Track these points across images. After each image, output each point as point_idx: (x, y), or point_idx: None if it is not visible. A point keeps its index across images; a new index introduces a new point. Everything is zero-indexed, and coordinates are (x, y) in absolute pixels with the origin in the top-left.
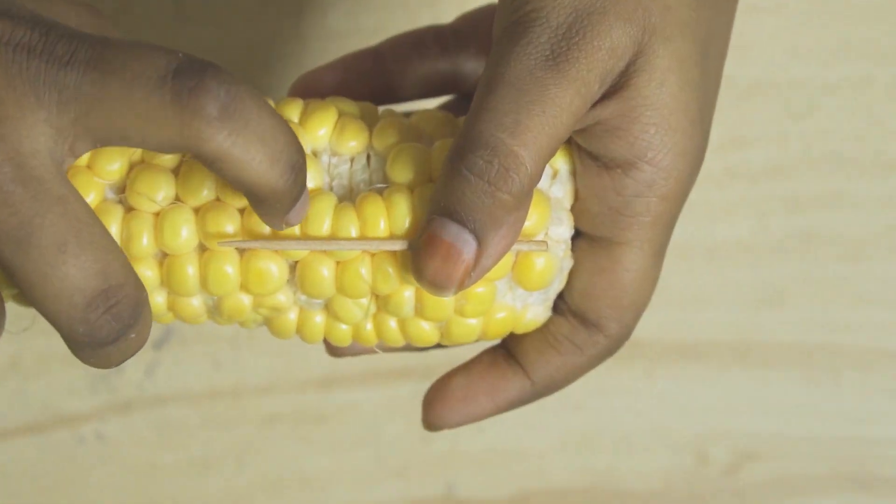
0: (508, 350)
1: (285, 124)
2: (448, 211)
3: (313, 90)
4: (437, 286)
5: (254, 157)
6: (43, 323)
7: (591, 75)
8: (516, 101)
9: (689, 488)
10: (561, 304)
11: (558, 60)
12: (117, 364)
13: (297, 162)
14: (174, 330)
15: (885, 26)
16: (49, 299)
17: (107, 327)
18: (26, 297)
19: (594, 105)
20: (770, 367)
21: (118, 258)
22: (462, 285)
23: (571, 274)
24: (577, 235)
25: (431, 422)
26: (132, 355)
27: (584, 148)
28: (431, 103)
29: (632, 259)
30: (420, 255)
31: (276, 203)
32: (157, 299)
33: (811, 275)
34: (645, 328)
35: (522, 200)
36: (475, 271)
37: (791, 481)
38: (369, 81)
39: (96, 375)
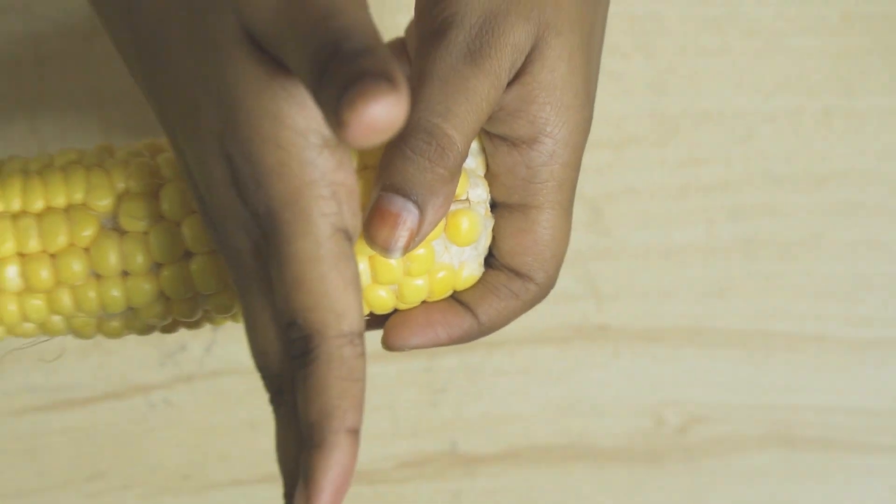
0: (459, 299)
1: None
2: (394, 187)
3: None
4: (388, 249)
5: None
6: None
7: (502, 68)
8: (444, 92)
9: (648, 445)
10: (495, 262)
11: (475, 57)
12: None
13: None
14: None
15: (813, 65)
16: None
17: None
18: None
19: None
20: (716, 348)
21: None
22: (408, 248)
23: (498, 237)
24: (498, 206)
25: (393, 342)
26: None
27: (493, 133)
28: None
29: (546, 218)
30: (372, 226)
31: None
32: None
33: (751, 272)
34: (613, 316)
35: (455, 174)
36: (418, 235)
37: (731, 440)
38: None
39: (165, 352)
